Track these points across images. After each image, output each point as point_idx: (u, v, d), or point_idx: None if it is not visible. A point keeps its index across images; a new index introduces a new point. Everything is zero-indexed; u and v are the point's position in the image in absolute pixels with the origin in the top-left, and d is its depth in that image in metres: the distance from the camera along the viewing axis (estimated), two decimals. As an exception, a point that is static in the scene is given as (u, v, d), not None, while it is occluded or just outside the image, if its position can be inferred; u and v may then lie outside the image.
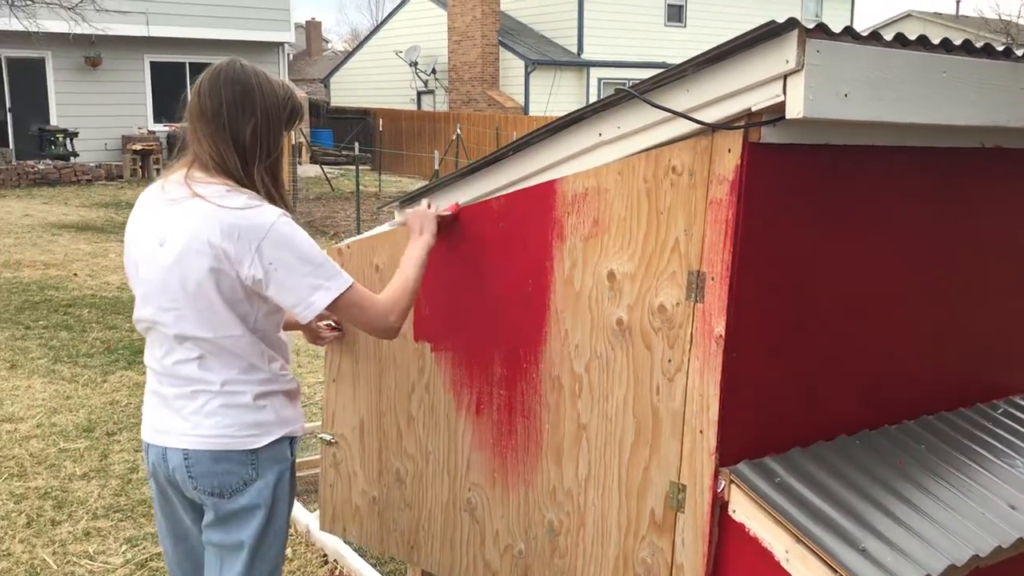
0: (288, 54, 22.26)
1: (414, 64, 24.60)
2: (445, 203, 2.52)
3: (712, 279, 1.98)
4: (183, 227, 1.98)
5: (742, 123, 1.87)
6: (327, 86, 29.63)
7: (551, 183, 2.25)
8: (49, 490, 4.28)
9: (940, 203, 2.30)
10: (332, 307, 2.02)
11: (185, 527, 2.19)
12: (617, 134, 2.14)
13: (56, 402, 5.61)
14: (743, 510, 1.96)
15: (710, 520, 2.02)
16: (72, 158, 17.35)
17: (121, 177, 17.74)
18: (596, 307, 2.20)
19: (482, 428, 2.46)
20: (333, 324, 2.69)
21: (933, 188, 2.27)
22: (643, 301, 2.11)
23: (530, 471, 2.36)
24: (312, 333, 2.63)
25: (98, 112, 18.07)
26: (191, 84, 2.06)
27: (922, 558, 1.81)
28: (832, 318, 2.15)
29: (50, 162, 16.92)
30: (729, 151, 1.92)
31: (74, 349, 6.58)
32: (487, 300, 2.42)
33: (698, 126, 1.94)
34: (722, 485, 2.01)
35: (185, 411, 2.05)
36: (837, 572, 1.75)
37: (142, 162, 17.83)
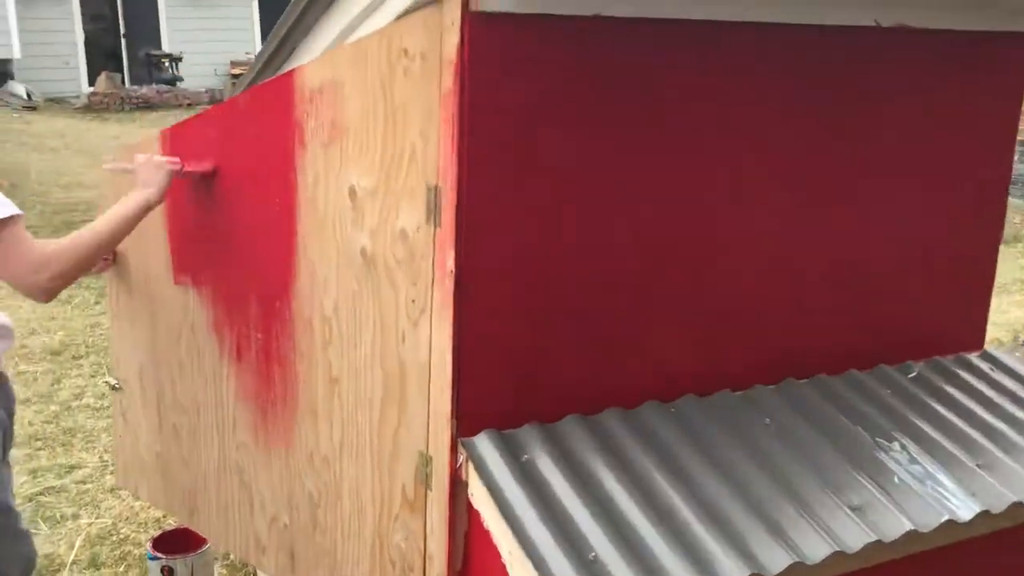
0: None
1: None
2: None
3: (446, 196, 1.52)
4: None
5: (455, -17, 1.39)
6: None
7: (289, 74, 1.79)
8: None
9: (809, 106, 1.77)
10: None
11: None
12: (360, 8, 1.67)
13: (39, 323, 5.50)
14: (478, 495, 1.53)
15: (450, 503, 1.60)
16: (178, 83, 17.34)
17: (221, 100, 17.67)
18: (340, 233, 1.76)
19: (244, 377, 2.05)
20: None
21: (799, 85, 1.74)
22: (385, 225, 1.66)
23: (289, 430, 1.96)
24: None
25: (207, 37, 17.86)
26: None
27: (675, 572, 1.36)
28: (629, 250, 1.67)
29: (154, 86, 16.94)
30: (452, 24, 1.44)
31: (85, 272, 6.40)
32: (239, 226, 1.99)
33: (418, -8, 1.46)
34: (460, 460, 1.58)
35: None
36: (547, 588, 1.32)
37: (242, 86, 17.71)
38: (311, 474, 1.92)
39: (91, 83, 17.20)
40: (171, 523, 3.23)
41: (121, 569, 3.01)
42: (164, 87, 17.15)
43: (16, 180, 9.20)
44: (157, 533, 2.86)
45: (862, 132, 1.85)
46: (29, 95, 15.53)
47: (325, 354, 1.83)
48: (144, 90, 17.06)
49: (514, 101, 1.50)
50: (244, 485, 2.10)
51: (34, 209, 7.90)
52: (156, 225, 2.19)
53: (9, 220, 1.65)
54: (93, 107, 16.04)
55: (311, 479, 1.92)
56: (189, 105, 17.42)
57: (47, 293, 1.74)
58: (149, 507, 3.36)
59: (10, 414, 1.94)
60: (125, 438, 2.48)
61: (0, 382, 1.88)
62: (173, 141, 2.12)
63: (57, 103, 14.63)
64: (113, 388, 2.44)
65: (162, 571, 2.66)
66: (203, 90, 17.67)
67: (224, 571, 3.01)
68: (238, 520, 2.14)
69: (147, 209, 1.90)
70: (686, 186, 1.69)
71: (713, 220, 1.74)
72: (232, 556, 3.02)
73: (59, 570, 3.02)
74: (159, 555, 2.68)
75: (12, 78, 16.32)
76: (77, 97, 15.76)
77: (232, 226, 2.00)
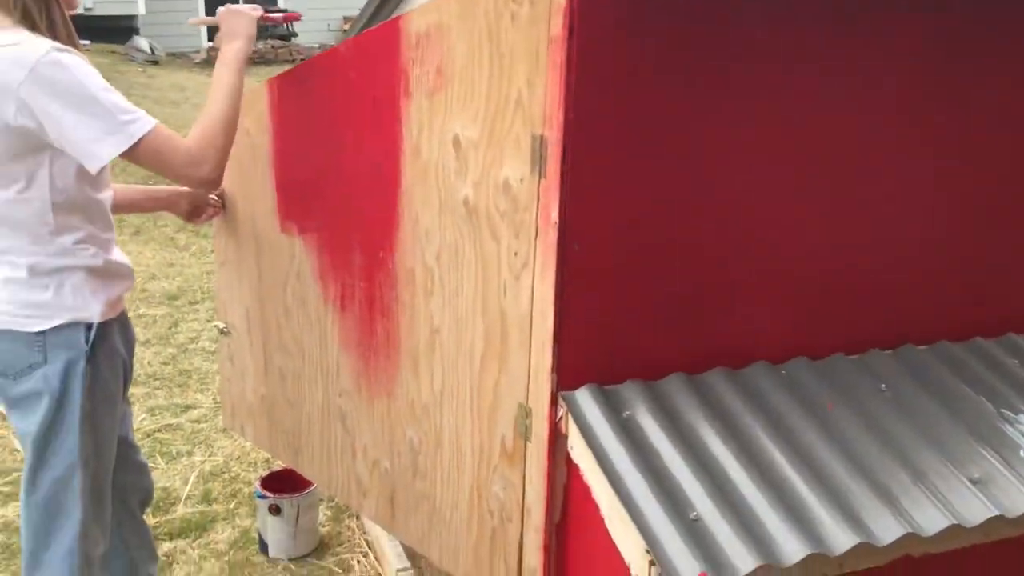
0: None
1: None
2: None
3: (552, 146, 1.49)
4: None
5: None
6: None
7: (396, 20, 1.78)
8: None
9: (931, 64, 1.66)
10: (130, 158, 1.70)
11: None
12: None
13: (158, 269, 5.79)
14: (578, 448, 1.52)
15: (549, 456, 1.59)
16: (292, 38, 17.79)
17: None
18: (444, 183, 1.74)
19: (347, 326, 2.08)
20: (214, 198, 2.35)
21: (925, 45, 1.63)
22: (488, 176, 1.64)
23: (391, 379, 1.98)
24: (192, 207, 2.30)
25: (321, -7, 18.30)
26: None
27: (781, 540, 1.31)
28: (741, 207, 1.60)
29: (269, 42, 17.43)
30: (562, -34, 1.39)
31: (201, 221, 6.64)
32: (344, 174, 2.00)
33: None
34: (560, 413, 1.56)
35: None
36: (647, 551, 1.29)
37: (353, 41, 17.99)
38: (412, 422, 1.94)
39: (210, 39, 17.70)
40: (278, 464, 3.35)
41: (232, 506, 3.14)
42: (278, 42, 17.52)
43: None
44: (265, 473, 2.97)
45: (989, 89, 1.73)
46: (152, 49, 16.08)
47: (427, 304, 1.84)
48: (259, 45, 17.50)
49: (624, 50, 1.45)
50: (347, 430, 2.14)
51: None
52: (263, 172, 2.22)
53: (153, 130, 1.70)
54: (212, 62, 16.45)
55: (412, 427, 1.94)
56: (303, 59, 17.78)
57: (213, 183, 1.80)
58: (259, 451, 3.49)
59: (130, 353, 2.02)
60: (232, 381, 2.56)
61: (122, 321, 1.95)
62: (280, 90, 2.14)
63: (178, 58, 15.11)
64: (221, 332, 2.52)
65: (269, 509, 2.76)
66: (316, 45, 17.96)
67: (328, 512, 3.11)
68: (340, 464, 2.19)
69: (243, 61, 1.92)
70: (809, 148, 1.61)
71: (833, 179, 1.65)
72: (336, 499, 3.11)
73: (174, 503, 3.18)
74: (267, 494, 2.78)
75: (137, 33, 16.92)
76: (197, 52, 16.22)
77: (337, 175, 2.01)
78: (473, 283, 1.72)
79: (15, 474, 3.22)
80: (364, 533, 2.97)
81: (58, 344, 1.79)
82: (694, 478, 1.39)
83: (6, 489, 3.15)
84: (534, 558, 1.68)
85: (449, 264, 1.77)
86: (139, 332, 4.69)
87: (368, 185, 1.93)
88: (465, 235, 1.72)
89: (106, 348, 1.86)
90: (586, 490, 1.51)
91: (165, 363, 4.52)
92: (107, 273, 1.87)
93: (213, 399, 4.05)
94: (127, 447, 2.13)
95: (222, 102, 1.83)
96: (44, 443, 1.82)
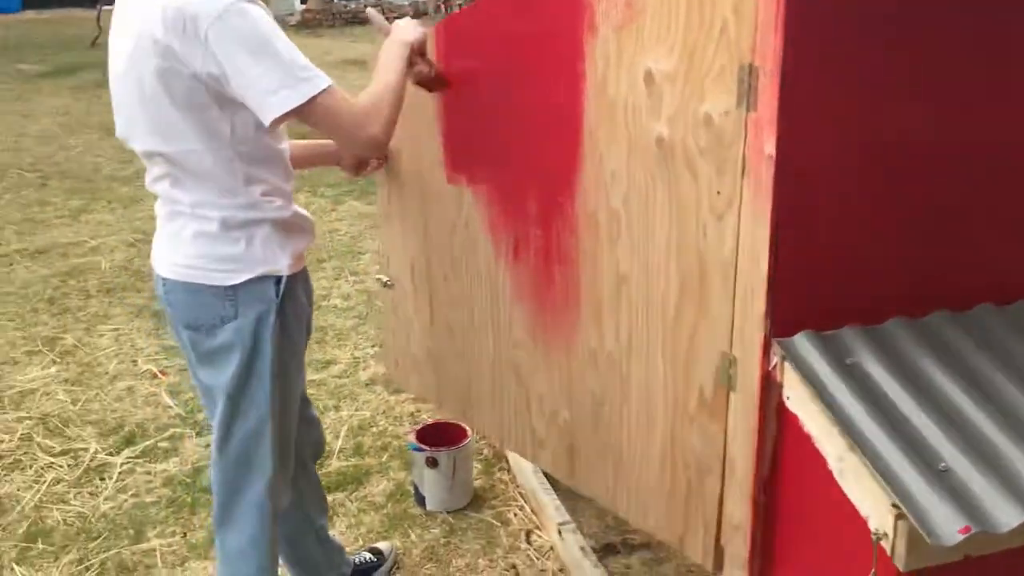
0: None
1: None
2: None
3: (764, 75, 1.39)
4: (132, 27, 1.69)
5: None
6: None
7: (577, -47, 1.69)
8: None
9: None
10: (302, 114, 1.67)
11: (191, 360, 2.02)
12: None
13: None
14: (796, 397, 1.43)
15: (760, 406, 1.51)
16: None
17: (427, 14, 18.17)
18: (633, 121, 1.66)
19: (521, 277, 2.03)
20: (376, 153, 2.33)
21: None
22: (686, 111, 1.55)
23: (571, 330, 1.92)
24: (356, 159, 2.28)
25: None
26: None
27: (1041, 489, 1.21)
28: (964, 147, 1.47)
29: (362, 2, 17.56)
30: None
31: (319, 179, 6.65)
32: (518, 119, 1.93)
33: None
34: (774, 361, 1.48)
35: (165, 232, 1.85)
36: (895, 504, 1.21)
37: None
38: (594, 373, 1.89)
39: (303, 1, 17.87)
40: (425, 417, 3.37)
41: (384, 459, 3.17)
42: (372, 1, 17.57)
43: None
44: (418, 426, 2.97)
45: None
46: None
47: (612, 251, 1.77)
48: (352, 5, 17.55)
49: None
50: (520, 382, 2.11)
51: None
52: (429, 123, 2.18)
53: (328, 89, 1.68)
54: (307, 23, 16.62)
55: (594, 378, 1.89)
56: (396, 17, 17.78)
57: (379, 146, 1.76)
58: (404, 401, 3.51)
59: (311, 307, 2.02)
60: (396, 334, 2.56)
61: (304, 275, 1.95)
62: (447, 37, 2.08)
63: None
64: (384, 285, 2.51)
65: (426, 462, 2.76)
66: (406, 3, 17.91)
67: (479, 465, 3.11)
68: (514, 416, 2.16)
69: (409, 45, 1.88)
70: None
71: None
72: (484, 452, 3.10)
73: (328, 456, 3.22)
74: (423, 447, 2.78)
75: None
76: (291, 14, 16.40)
77: (509, 121, 1.95)
78: (666, 226, 1.64)
79: (172, 430, 3.32)
80: (518, 486, 2.96)
81: (249, 298, 1.80)
82: (936, 427, 1.30)
83: (165, 444, 3.25)
84: (739, 512, 1.62)
85: (638, 207, 1.69)
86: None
87: (545, 128, 1.86)
88: (657, 176, 1.64)
89: (293, 302, 1.86)
90: (803, 441, 1.43)
91: (300, 320, 4.58)
92: (293, 226, 1.86)
93: (351, 354, 4.09)
94: (302, 401, 2.15)
95: (394, 72, 1.80)
96: (237, 396, 1.84)
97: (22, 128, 8.01)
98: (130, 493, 2.95)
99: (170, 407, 3.50)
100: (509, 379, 2.14)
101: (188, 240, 1.78)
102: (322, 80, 1.67)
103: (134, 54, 1.69)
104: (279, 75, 1.64)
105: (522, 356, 2.08)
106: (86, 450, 3.19)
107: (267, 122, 1.68)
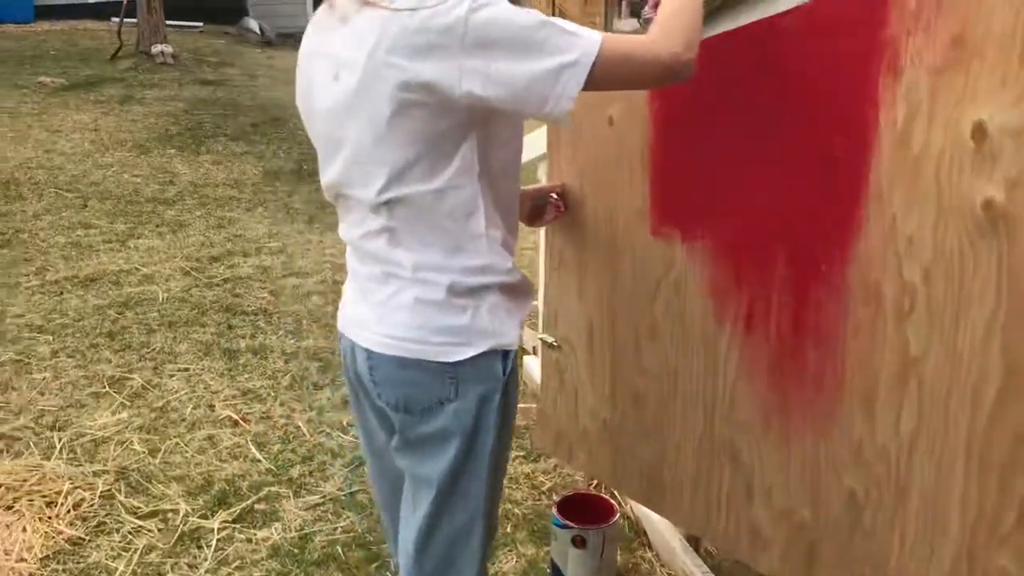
0: None
1: None
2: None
3: None
4: (357, 50, 1.41)
5: None
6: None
7: (880, -18, 1.43)
8: (318, 351, 4.12)
9: None
10: (595, 85, 1.38)
11: (380, 441, 1.73)
12: None
13: (344, 259, 5.59)
14: None
15: None
16: None
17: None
18: (948, 180, 1.40)
19: (754, 350, 1.75)
20: (555, 197, 2.06)
21: None
22: (1036, 172, 1.28)
23: (824, 416, 1.65)
24: (534, 206, 2.01)
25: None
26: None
27: None
28: None
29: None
30: None
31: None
32: (765, 168, 1.66)
33: None
34: None
35: (374, 298, 1.57)
36: None
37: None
38: (855, 469, 1.61)
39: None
40: (544, 481, 3.05)
41: (507, 528, 2.84)
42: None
43: (277, 114, 9.47)
44: (558, 498, 2.68)
45: None
46: (262, 30, 16.08)
47: (900, 329, 1.50)
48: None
49: None
50: (739, 469, 1.83)
51: (303, 145, 8.03)
52: (630, 168, 1.91)
53: (604, 41, 1.36)
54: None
55: (853, 474, 1.61)
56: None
57: (691, 69, 1.43)
58: (516, 459, 3.19)
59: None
60: (560, 401, 2.27)
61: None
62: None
63: (288, 37, 15.07)
64: (550, 346, 2.23)
65: (574, 541, 2.47)
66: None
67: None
68: (725, 506, 1.88)
69: None
70: None
71: None
72: (711, 544, 2.75)
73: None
74: (569, 524, 2.49)
75: (247, 14, 16.94)
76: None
77: (755, 169, 1.68)
78: (989, 304, 1.37)
79: (267, 489, 3.00)
80: (663, 565, 2.67)
81: (472, 376, 1.52)
82: None
83: (262, 507, 2.93)
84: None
85: (945, 280, 1.42)
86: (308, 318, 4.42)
87: (807, 182, 1.59)
88: (979, 246, 1.37)
89: (515, 378, 1.58)
90: None
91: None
92: (519, 290, 1.59)
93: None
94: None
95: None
96: (449, 490, 1.56)
97: (52, 144, 7.69)
98: (234, 566, 2.65)
99: (259, 461, 3.19)
100: (723, 465, 1.86)
101: (407, 308, 1.50)
102: (594, 36, 1.38)
103: (363, 83, 1.40)
104: (549, 58, 1.36)
105: (745, 440, 1.80)
106: (176, 511, 2.89)
107: (563, 118, 1.40)
